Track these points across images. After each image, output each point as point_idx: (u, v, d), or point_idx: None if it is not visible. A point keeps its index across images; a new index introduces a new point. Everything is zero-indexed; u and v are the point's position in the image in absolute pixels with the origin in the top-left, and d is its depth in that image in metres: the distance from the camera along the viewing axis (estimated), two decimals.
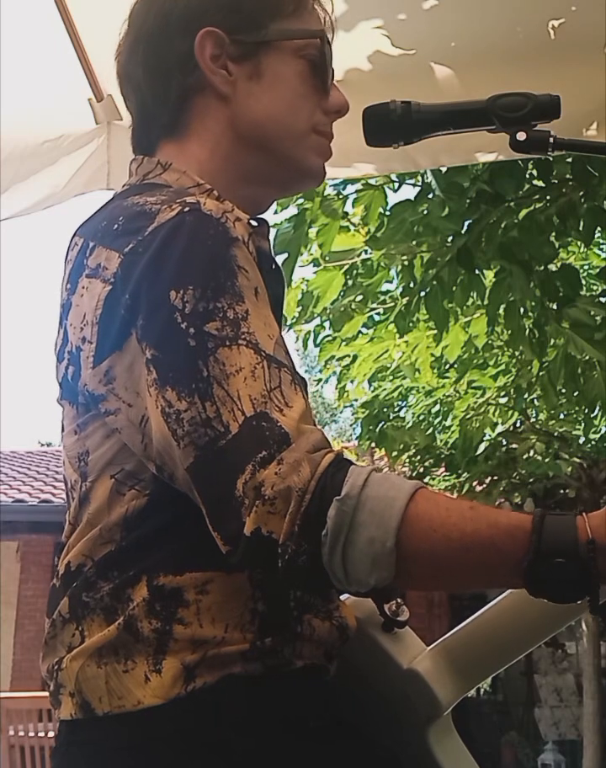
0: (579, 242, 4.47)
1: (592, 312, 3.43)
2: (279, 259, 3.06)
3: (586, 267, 5.16)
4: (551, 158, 2.85)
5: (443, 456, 7.22)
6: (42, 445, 22.64)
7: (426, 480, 7.53)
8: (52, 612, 1.05)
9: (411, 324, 3.95)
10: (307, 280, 3.76)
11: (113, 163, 2.27)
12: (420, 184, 3.26)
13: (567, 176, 3.08)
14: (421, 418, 6.23)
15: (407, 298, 3.57)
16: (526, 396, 5.37)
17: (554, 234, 3.28)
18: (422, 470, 7.68)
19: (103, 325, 1.01)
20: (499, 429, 6.01)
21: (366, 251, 3.57)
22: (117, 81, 1.22)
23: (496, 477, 7.84)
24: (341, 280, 3.64)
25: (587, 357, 3.71)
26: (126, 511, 1.01)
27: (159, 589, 0.97)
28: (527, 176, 3.14)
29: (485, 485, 7.95)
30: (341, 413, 22.14)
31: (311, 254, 3.73)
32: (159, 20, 1.16)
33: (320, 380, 6.54)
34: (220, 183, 1.12)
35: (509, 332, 3.73)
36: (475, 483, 7.74)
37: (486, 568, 0.91)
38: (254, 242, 1.03)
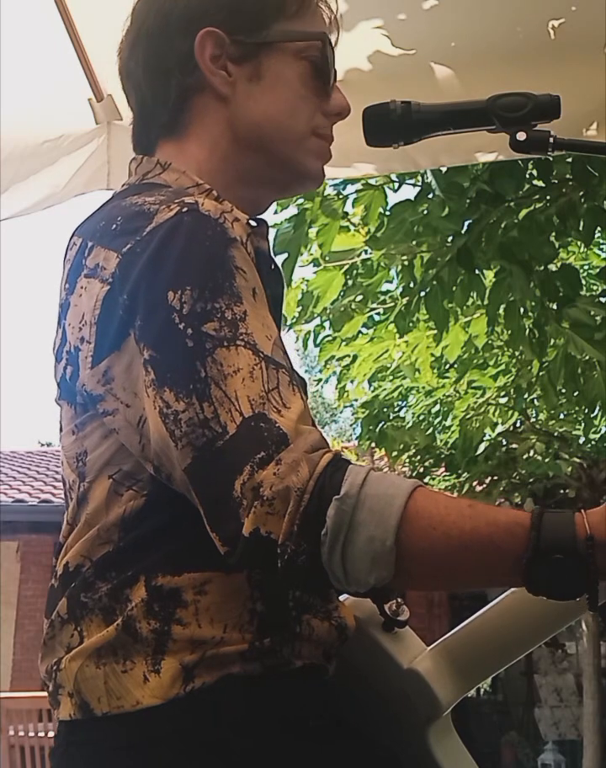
0: (579, 242, 4.47)
1: (592, 312, 3.43)
2: (279, 259, 3.06)
3: (586, 267, 5.16)
4: (551, 158, 2.85)
5: (443, 455, 7.23)
6: (42, 445, 22.64)
7: (426, 480, 7.53)
8: (51, 613, 1.05)
9: (411, 324, 3.95)
10: (307, 280, 3.76)
11: (113, 163, 2.27)
12: (420, 184, 3.26)
13: (567, 176, 3.08)
14: (421, 418, 6.24)
15: (407, 298, 3.58)
16: (526, 396, 5.37)
17: (554, 234, 3.28)
18: (422, 470, 7.68)
19: (102, 325, 1.01)
20: (499, 429, 6.01)
21: (366, 251, 3.57)
22: (119, 78, 1.22)
23: (496, 477, 7.84)
24: (341, 280, 3.64)
25: (587, 357, 3.72)
26: (124, 512, 1.01)
27: (157, 589, 0.97)
28: (527, 176, 3.14)
29: (485, 485, 7.96)
30: (341, 413, 22.16)
31: (311, 254, 3.73)
32: (160, 19, 1.15)
33: (320, 380, 6.54)
34: (218, 183, 1.12)
35: (509, 332, 3.73)
36: (475, 483, 7.74)
37: (486, 565, 0.91)
38: (253, 243, 1.03)
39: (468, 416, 5.83)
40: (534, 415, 6.55)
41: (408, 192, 3.32)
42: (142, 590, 0.98)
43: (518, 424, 6.66)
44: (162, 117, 1.16)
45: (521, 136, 1.12)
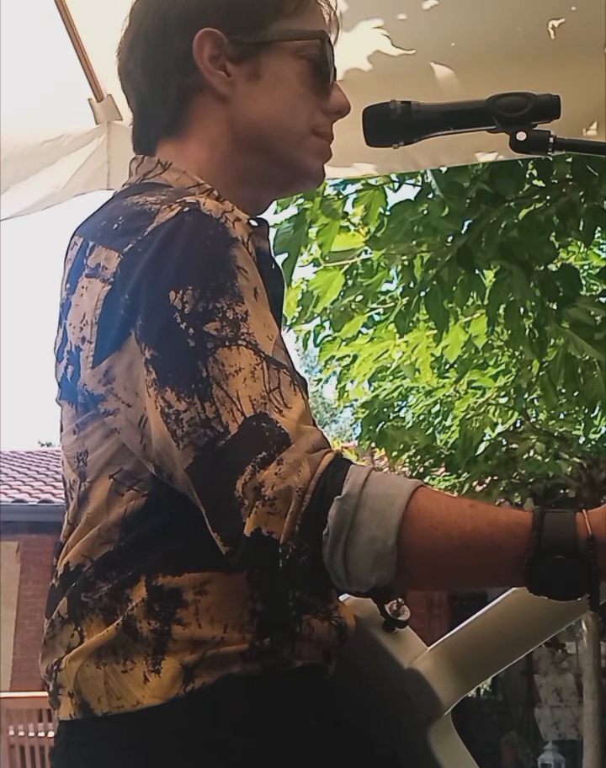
0: (579, 242, 4.47)
1: (592, 312, 3.43)
2: (279, 259, 3.06)
3: (586, 267, 5.16)
4: (551, 158, 2.85)
5: (443, 455, 7.23)
6: (42, 445, 22.64)
7: (426, 480, 7.52)
8: (51, 612, 1.05)
9: (411, 324, 3.95)
10: (307, 280, 3.76)
11: (113, 163, 2.27)
12: (420, 184, 3.26)
13: (567, 176, 3.08)
14: (421, 418, 6.24)
15: (407, 298, 3.58)
16: (526, 396, 5.37)
17: (554, 234, 3.28)
18: (422, 470, 7.68)
19: (103, 325, 1.01)
20: (499, 429, 6.01)
21: (366, 251, 3.57)
22: (118, 78, 1.22)
23: (496, 477, 7.84)
24: (341, 280, 3.64)
25: (587, 357, 3.72)
26: (125, 511, 1.01)
27: (158, 589, 0.97)
28: (527, 176, 3.14)
29: (485, 485, 7.96)
30: (341, 413, 22.15)
31: (311, 254, 3.73)
32: (158, 20, 1.15)
33: (320, 380, 6.54)
34: (219, 183, 1.12)
35: (509, 332, 3.73)
36: (475, 483, 7.74)
37: (487, 565, 0.91)
38: (254, 243, 1.03)
39: (468, 416, 5.83)
40: (534, 415, 6.55)
41: (408, 192, 3.33)
42: (143, 590, 0.98)
43: (518, 424, 6.66)
44: (161, 117, 1.16)
45: (521, 136, 1.12)
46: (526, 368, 4.89)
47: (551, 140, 1.12)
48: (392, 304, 3.90)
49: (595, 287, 4.96)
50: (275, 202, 1.30)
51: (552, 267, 3.43)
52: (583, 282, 4.05)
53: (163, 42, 1.15)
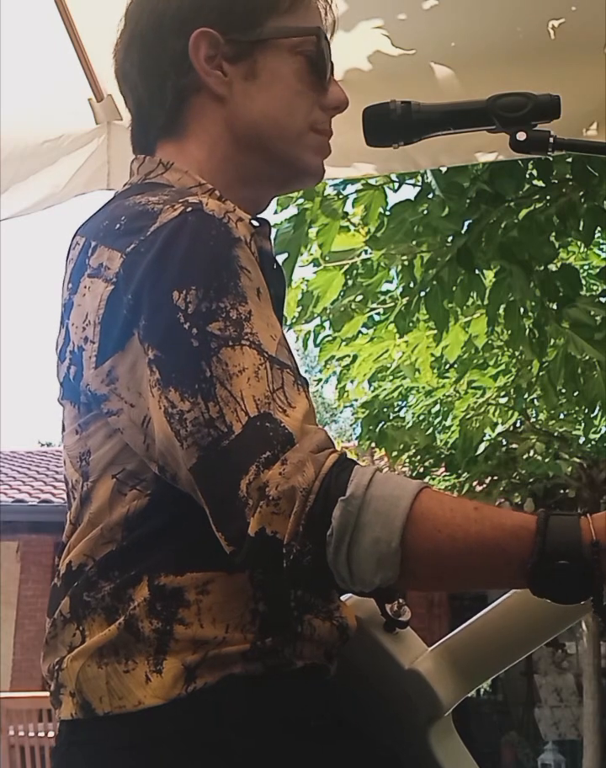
0: (579, 242, 4.47)
1: (592, 312, 3.43)
2: (279, 259, 3.05)
3: (586, 267, 5.16)
4: (551, 158, 2.85)
5: (443, 455, 7.22)
6: (42, 445, 22.66)
7: (426, 480, 7.52)
8: (53, 612, 1.05)
9: (411, 324, 3.95)
10: (307, 280, 3.76)
11: (113, 163, 2.27)
12: (420, 184, 3.26)
13: (567, 176, 3.08)
14: (421, 418, 6.23)
15: (407, 298, 3.58)
16: (526, 396, 5.37)
17: (554, 234, 3.28)
18: (422, 470, 7.67)
19: (106, 325, 1.01)
20: (499, 429, 6.01)
21: (366, 251, 3.57)
22: (115, 79, 1.22)
23: (496, 477, 7.84)
24: (341, 280, 3.64)
25: (587, 357, 3.72)
26: (127, 511, 1.01)
27: (160, 588, 0.97)
28: (527, 176, 3.14)
29: (485, 485, 7.95)
30: (341, 413, 22.15)
31: (311, 254, 3.73)
32: (153, 20, 1.15)
33: (320, 380, 6.54)
34: (219, 183, 1.12)
35: (509, 332, 3.73)
36: (475, 483, 7.74)
37: (490, 568, 0.91)
38: (256, 243, 1.03)
39: (468, 416, 5.83)
40: (534, 415, 6.54)
41: (408, 192, 3.33)
42: (145, 590, 0.98)
43: (518, 424, 6.66)
44: (159, 119, 1.16)
45: (521, 136, 1.12)
46: (526, 368, 4.89)
47: (551, 140, 1.12)
48: (392, 304, 3.90)
49: (595, 287, 4.96)
50: (275, 202, 1.30)
51: (552, 267, 3.43)
52: (583, 282, 4.05)
53: (159, 43, 1.14)
